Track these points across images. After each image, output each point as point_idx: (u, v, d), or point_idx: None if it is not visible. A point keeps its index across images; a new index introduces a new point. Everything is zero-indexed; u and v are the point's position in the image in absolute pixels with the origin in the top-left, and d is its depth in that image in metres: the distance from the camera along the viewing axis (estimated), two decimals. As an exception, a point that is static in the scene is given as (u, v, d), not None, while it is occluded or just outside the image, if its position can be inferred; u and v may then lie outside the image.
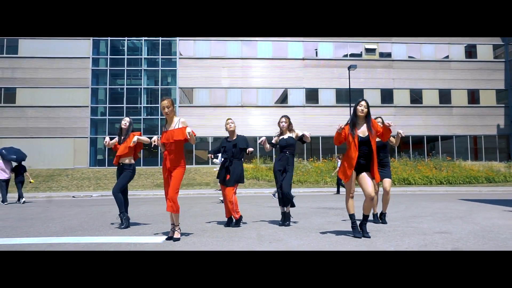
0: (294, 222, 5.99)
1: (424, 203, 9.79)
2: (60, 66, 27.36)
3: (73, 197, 16.16)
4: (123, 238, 4.67)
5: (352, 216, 4.62)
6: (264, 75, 28.37)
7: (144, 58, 28.40)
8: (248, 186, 19.93)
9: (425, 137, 28.50)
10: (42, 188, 20.54)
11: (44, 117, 27.01)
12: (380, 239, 4.26)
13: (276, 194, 6.10)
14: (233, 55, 28.33)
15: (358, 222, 4.66)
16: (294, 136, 5.92)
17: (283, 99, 28.69)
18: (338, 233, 4.81)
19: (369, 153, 4.50)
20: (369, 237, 4.40)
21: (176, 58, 28.22)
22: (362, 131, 4.52)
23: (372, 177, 4.50)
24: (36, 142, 26.71)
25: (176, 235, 4.58)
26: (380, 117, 6.16)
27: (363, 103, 4.51)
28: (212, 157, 6.11)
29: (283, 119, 5.97)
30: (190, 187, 20.22)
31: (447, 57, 29.24)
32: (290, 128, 5.99)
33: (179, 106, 27.63)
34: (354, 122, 4.54)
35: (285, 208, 5.75)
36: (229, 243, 4.19)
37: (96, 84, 27.99)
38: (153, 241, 4.39)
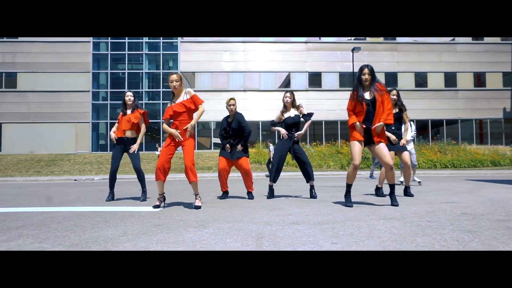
0: (296, 197, 5.84)
1: (429, 182, 9.62)
2: (61, 50, 27.11)
3: (75, 180, 16.12)
4: (119, 207, 4.54)
5: (348, 186, 4.49)
6: (266, 59, 28.00)
7: (145, 42, 28.07)
8: (250, 170, 19.79)
9: (429, 121, 28.17)
10: (44, 173, 20.52)
11: (45, 102, 26.87)
12: (385, 208, 4.09)
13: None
14: (235, 38, 27.91)
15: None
16: (299, 113, 5.71)
17: (286, 83, 28.36)
18: (339, 203, 4.65)
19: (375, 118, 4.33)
20: (398, 205, 4.31)
21: (177, 42, 27.87)
22: (368, 94, 4.35)
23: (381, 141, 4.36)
24: (38, 127, 26.65)
25: (198, 203, 4.54)
26: (395, 89, 5.90)
27: (366, 71, 4.29)
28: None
29: (288, 94, 5.75)
30: (192, 171, 20.13)
31: (453, 39, 28.69)
32: (294, 104, 5.77)
33: (181, 91, 27.36)
34: (358, 89, 4.34)
35: (310, 182, 5.66)
36: (228, 211, 4.04)
37: (97, 68, 27.74)
38: (147, 210, 4.25)
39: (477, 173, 16.28)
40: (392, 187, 4.42)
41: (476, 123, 28.58)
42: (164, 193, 4.69)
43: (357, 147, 4.28)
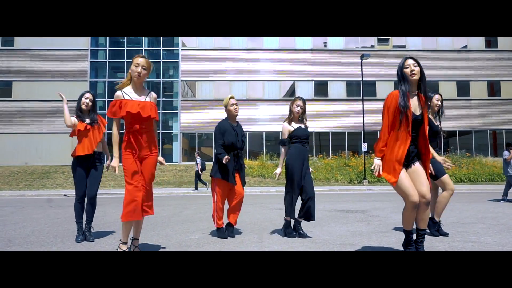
0: (304, 235, 4.51)
1: (457, 204, 8.33)
2: (58, 58, 26.20)
3: (65, 195, 14.98)
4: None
5: (408, 233, 3.11)
6: (270, 67, 26.91)
7: (145, 49, 27.12)
8: (253, 184, 18.56)
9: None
10: (36, 186, 19.39)
11: (41, 112, 25.87)
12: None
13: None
14: (238, 46, 26.90)
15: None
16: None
17: (291, 92, 27.23)
18: (375, 250, 3.39)
19: (418, 138, 3.07)
20: None
21: (178, 49, 26.89)
22: (414, 106, 3.03)
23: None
24: (33, 138, 25.62)
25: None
26: (440, 94, 4.65)
27: (410, 61, 3.03)
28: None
29: (300, 103, 4.49)
30: (191, 185, 18.92)
31: (466, 46, 27.49)
32: (304, 116, 4.59)
33: (181, 100, 26.32)
34: (405, 92, 2.99)
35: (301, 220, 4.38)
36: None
37: (95, 77, 26.78)
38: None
39: (498, 189, 14.93)
40: (422, 233, 3.06)
41: (490, 134, 27.22)
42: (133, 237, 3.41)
43: (407, 181, 2.95)
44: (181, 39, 26.84)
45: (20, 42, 26.20)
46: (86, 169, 4.35)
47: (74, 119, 4.34)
